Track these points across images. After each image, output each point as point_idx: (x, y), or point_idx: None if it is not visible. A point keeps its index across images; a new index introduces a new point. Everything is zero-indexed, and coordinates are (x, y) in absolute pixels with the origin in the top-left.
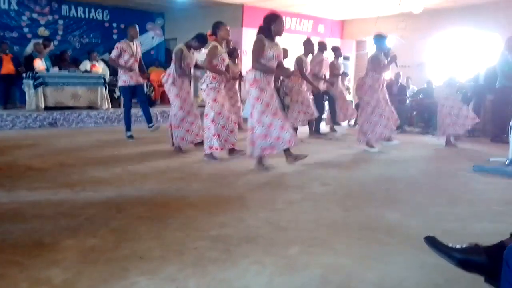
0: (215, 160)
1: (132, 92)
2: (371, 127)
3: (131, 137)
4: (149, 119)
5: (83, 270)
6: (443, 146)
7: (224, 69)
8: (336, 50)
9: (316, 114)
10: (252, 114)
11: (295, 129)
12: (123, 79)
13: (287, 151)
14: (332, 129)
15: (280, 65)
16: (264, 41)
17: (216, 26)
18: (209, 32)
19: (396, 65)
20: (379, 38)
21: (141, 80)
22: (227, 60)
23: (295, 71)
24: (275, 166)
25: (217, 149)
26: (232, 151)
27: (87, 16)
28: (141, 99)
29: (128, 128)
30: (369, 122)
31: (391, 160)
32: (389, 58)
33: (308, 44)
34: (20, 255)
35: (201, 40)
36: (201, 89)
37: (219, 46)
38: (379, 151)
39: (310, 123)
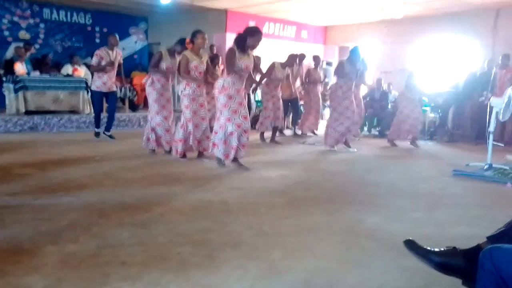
0: (184, 160)
1: (104, 98)
2: (331, 131)
3: (97, 134)
4: (109, 128)
5: (64, 277)
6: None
7: (198, 75)
8: (315, 58)
9: (281, 122)
10: (218, 118)
11: (262, 134)
12: (97, 84)
13: (236, 159)
14: (313, 132)
15: (249, 75)
16: (234, 52)
17: (193, 34)
18: (187, 39)
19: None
20: (353, 50)
21: (114, 88)
22: (201, 66)
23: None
24: (250, 168)
25: (181, 154)
26: (200, 154)
27: (69, 19)
28: (111, 107)
29: (97, 126)
30: (330, 127)
31: (373, 165)
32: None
33: (290, 58)
34: None
35: (183, 43)
36: (179, 95)
37: (189, 55)
38: (355, 150)
39: (274, 129)
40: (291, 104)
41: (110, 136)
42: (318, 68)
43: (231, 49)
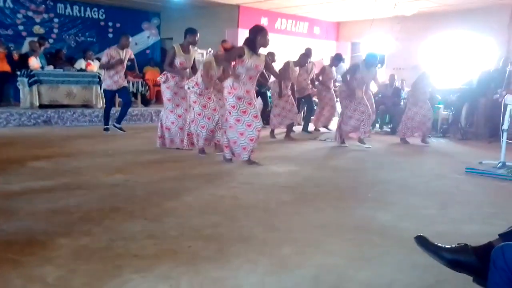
0: (202, 155)
1: (117, 94)
2: (343, 126)
3: (107, 129)
4: (120, 120)
5: (76, 268)
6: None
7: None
8: (335, 57)
9: (296, 119)
10: (227, 119)
11: (272, 131)
12: (107, 83)
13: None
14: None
15: (262, 75)
16: (244, 51)
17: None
18: (229, 45)
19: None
20: (370, 55)
21: (125, 83)
22: (218, 72)
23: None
24: (262, 164)
25: (189, 146)
26: (216, 146)
27: (82, 14)
28: (124, 100)
29: (106, 123)
30: (342, 123)
31: (384, 162)
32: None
33: (303, 57)
34: (13, 252)
35: (192, 31)
36: (186, 89)
37: (213, 63)
38: (370, 146)
39: (289, 126)
40: (304, 101)
41: (120, 129)
42: (332, 67)
43: (240, 48)
